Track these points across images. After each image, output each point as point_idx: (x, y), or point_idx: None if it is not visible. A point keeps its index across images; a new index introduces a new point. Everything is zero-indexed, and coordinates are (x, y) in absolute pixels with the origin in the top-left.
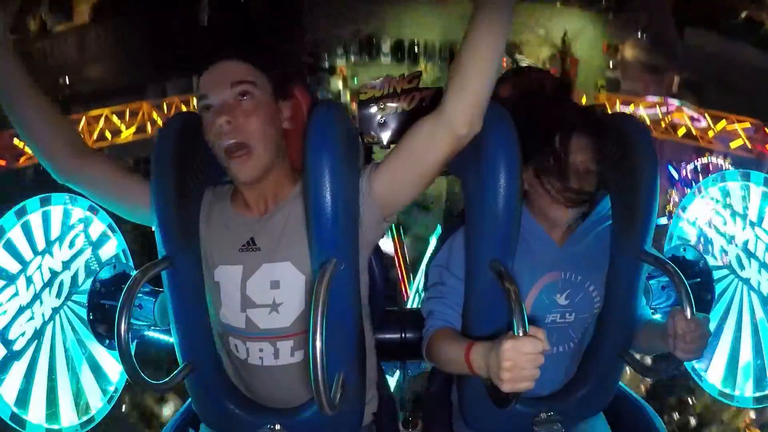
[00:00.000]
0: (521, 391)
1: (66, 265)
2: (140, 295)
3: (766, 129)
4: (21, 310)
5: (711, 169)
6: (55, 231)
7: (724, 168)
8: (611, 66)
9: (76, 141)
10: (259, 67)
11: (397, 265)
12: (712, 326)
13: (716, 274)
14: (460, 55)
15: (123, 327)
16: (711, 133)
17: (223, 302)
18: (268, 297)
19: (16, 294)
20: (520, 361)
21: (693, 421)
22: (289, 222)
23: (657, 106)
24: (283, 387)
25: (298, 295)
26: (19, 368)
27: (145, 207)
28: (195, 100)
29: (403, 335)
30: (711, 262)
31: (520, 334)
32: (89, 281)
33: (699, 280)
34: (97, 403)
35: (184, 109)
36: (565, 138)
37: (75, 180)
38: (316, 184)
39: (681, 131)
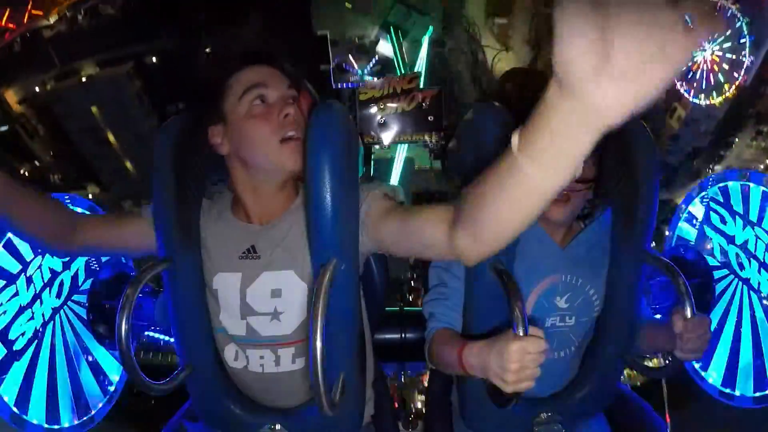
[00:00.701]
0: (523, 390)
1: (66, 265)
2: (140, 295)
3: None
4: (21, 310)
5: None
6: None
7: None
8: None
9: (64, 217)
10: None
11: None
12: (712, 326)
13: (716, 274)
14: (488, 186)
15: (123, 327)
16: None
17: (222, 309)
18: (269, 305)
19: (16, 294)
20: (525, 362)
21: None
22: (293, 231)
23: None
24: (283, 391)
25: (299, 303)
26: (19, 368)
27: (152, 241)
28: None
29: (403, 335)
30: (711, 262)
31: (521, 334)
32: (89, 281)
33: (699, 280)
34: (97, 403)
35: None
36: None
37: (80, 251)
38: (317, 183)
39: None
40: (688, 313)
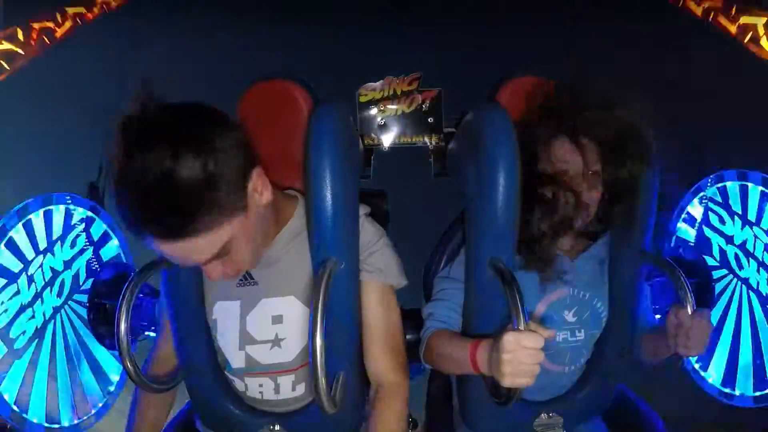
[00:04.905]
0: (520, 386)
1: (67, 264)
2: (140, 295)
3: None
4: (22, 309)
5: None
6: (57, 230)
7: None
8: None
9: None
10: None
11: None
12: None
13: (716, 274)
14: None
15: (123, 327)
16: None
17: (219, 341)
18: (269, 332)
19: (17, 293)
20: (519, 355)
21: None
22: (291, 253)
23: None
24: (282, 409)
25: (301, 328)
26: (19, 367)
27: None
28: None
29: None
30: (710, 262)
31: (521, 329)
32: (90, 281)
33: (699, 280)
34: (98, 403)
35: None
36: (545, 145)
37: None
38: (317, 182)
39: None
40: (690, 310)
